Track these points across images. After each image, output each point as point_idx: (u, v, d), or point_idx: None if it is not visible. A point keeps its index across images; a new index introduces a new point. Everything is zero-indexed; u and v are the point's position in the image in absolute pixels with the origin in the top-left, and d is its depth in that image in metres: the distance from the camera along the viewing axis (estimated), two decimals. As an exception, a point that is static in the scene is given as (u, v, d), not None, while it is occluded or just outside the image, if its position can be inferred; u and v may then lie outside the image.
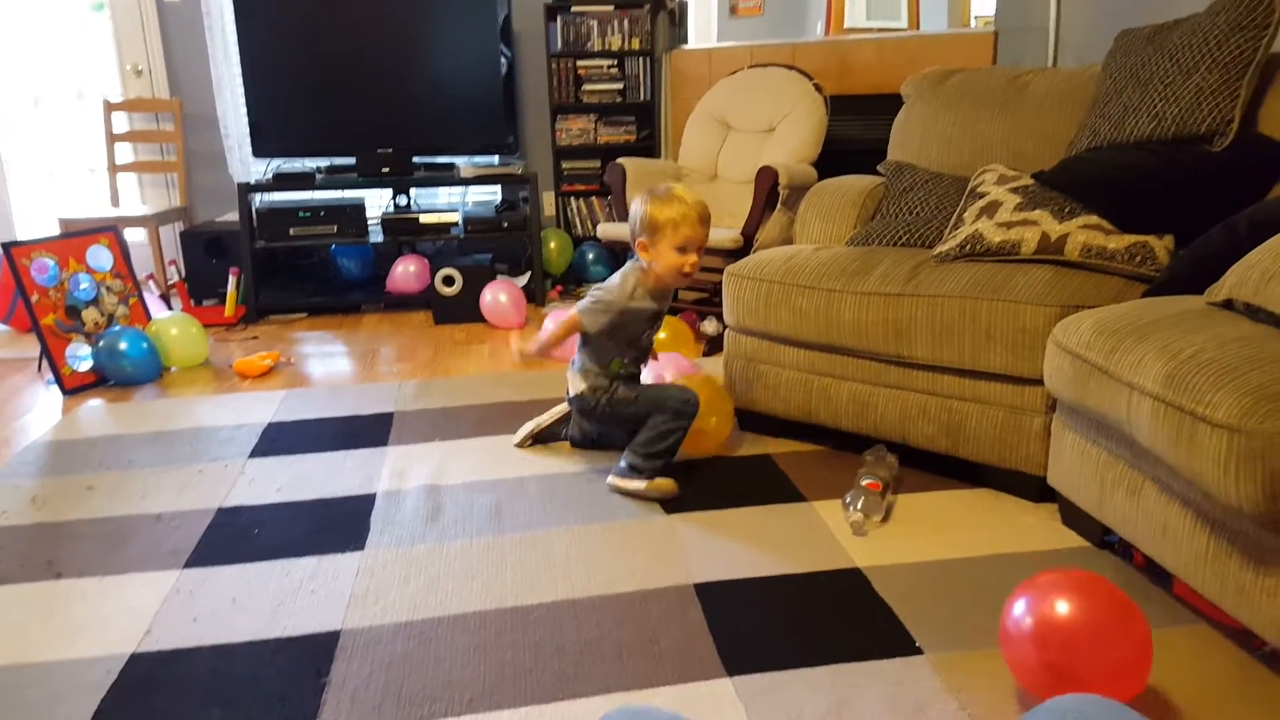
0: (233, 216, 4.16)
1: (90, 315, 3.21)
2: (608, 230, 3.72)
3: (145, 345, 3.14)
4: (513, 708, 1.39)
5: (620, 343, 2.16)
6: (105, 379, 3.13)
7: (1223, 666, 1.45)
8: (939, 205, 2.49)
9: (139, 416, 2.81)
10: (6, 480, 2.34)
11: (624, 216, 3.76)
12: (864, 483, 1.97)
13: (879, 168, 2.79)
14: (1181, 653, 1.47)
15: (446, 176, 4.20)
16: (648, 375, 2.34)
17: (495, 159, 4.34)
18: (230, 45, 4.19)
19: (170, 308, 3.85)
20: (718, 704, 1.39)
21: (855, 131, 3.82)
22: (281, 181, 4.06)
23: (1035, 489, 1.99)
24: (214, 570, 1.84)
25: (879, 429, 2.22)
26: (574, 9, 4.33)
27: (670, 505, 2.05)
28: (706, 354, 3.29)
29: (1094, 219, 2.06)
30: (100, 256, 3.28)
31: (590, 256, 4.43)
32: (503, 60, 4.17)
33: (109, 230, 3.38)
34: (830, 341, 2.22)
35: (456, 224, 4.16)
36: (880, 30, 7.56)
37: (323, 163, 4.19)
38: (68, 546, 1.97)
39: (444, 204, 4.57)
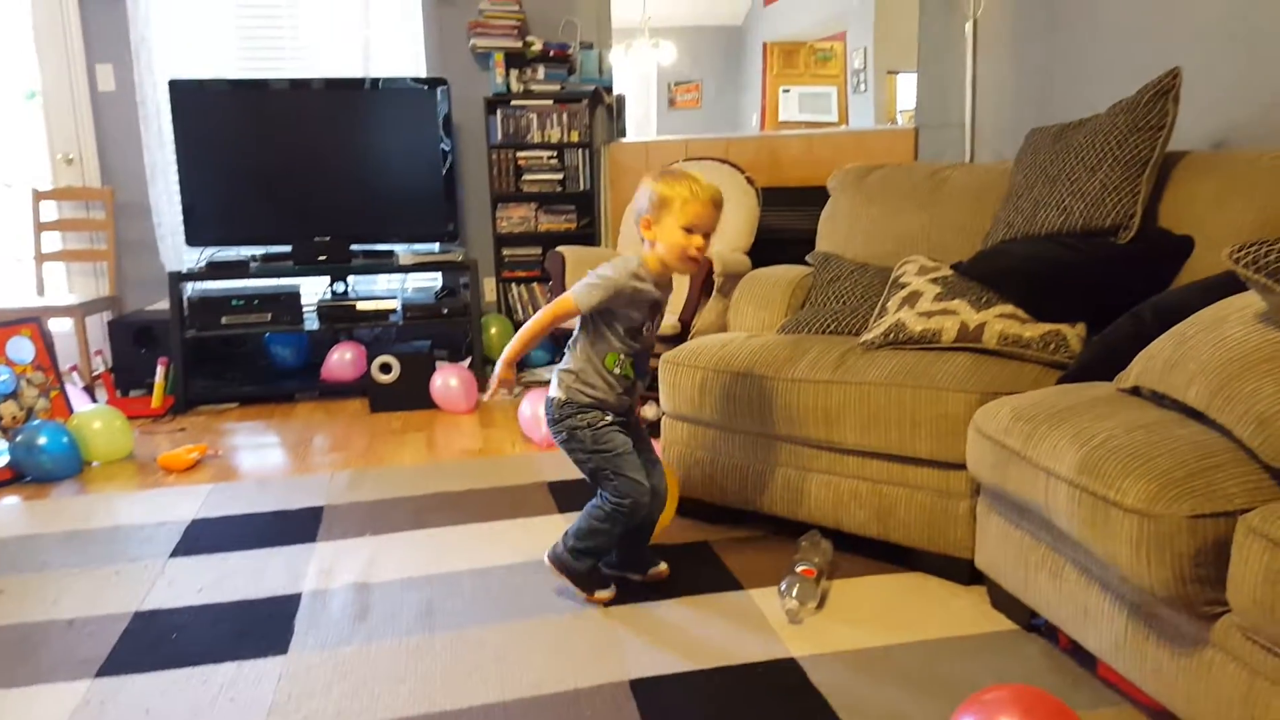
0: (163, 305, 4.09)
1: (8, 409, 3.11)
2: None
3: (65, 440, 3.03)
4: (439, 820, 1.34)
5: (619, 333, 1.91)
6: (22, 475, 3.01)
7: (1150, 750, 1.47)
8: (864, 294, 2.57)
9: (55, 515, 2.69)
10: (-94, 587, 2.21)
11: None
12: (798, 569, 1.97)
13: (808, 258, 2.89)
14: (1110, 737, 1.49)
15: (385, 264, 4.21)
16: None
17: (436, 246, 4.37)
18: (165, 133, 4.19)
19: (95, 400, 3.74)
20: (651, 808, 1.35)
21: (787, 221, 3.94)
22: (215, 270, 4.02)
23: (965, 572, 2.02)
24: (128, 679, 1.75)
25: (813, 514, 2.24)
26: (514, 103, 4.45)
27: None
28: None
29: (1010, 308, 2.15)
30: (21, 348, 3.19)
31: (530, 342, 4.43)
32: (443, 150, 4.24)
33: (31, 321, 3.29)
34: (763, 428, 2.25)
35: (395, 311, 4.15)
36: (811, 125, 7.92)
37: (258, 251, 4.17)
38: (-32, 658, 1.86)
39: (383, 290, 4.57)
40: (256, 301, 4.02)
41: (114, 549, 2.40)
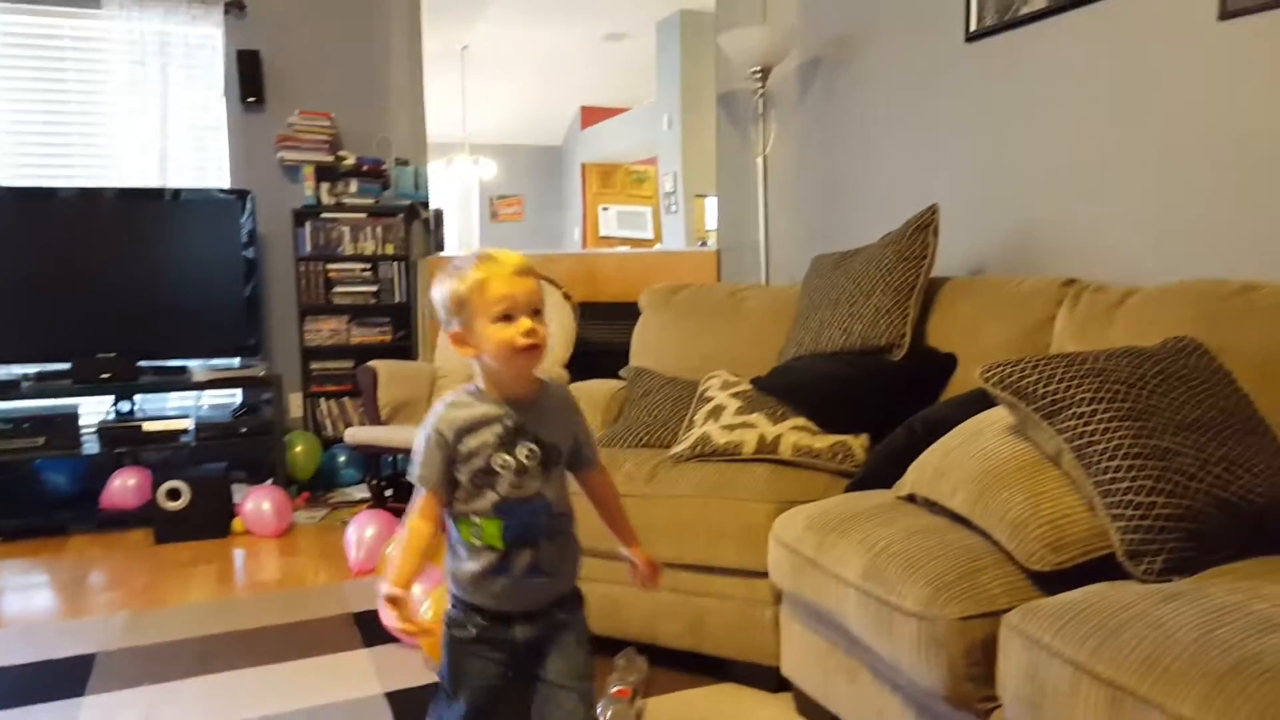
0: (-89, 430, 3.63)
1: None
2: (356, 435, 3.62)
3: None
4: None
5: (467, 486, 1.39)
6: None
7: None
8: (674, 408, 2.67)
9: None
10: None
11: (376, 420, 3.69)
12: (612, 691, 1.96)
13: (620, 373, 2.97)
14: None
15: (177, 381, 3.95)
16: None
17: (236, 361, 4.16)
18: (-74, 242, 3.81)
19: None
20: None
21: (604, 335, 4.06)
22: (-22, 390, 3.63)
23: (773, 680, 2.07)
24: None
25: (629, 630, 2.24)
26: (324, 215, 4.38)
27: (414, 735, 1.91)
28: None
29: (802, 421, 2.30)
30: None
31: (341, 459, 4.25)
32: (246, 262, 4.09)
33: None
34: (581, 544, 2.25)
35: (187, 431, 3.88)
36: (630, 241, 8.28)
37: (31, 369, 3.82)
38: None
39: (174, 409, 4.26)
40: (27, 425, 3.65)
41: None
